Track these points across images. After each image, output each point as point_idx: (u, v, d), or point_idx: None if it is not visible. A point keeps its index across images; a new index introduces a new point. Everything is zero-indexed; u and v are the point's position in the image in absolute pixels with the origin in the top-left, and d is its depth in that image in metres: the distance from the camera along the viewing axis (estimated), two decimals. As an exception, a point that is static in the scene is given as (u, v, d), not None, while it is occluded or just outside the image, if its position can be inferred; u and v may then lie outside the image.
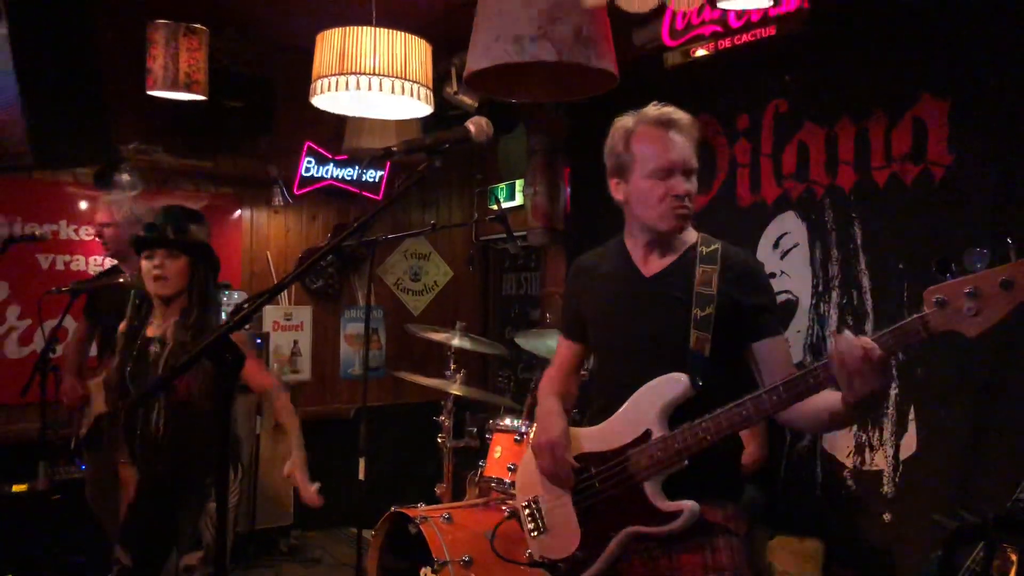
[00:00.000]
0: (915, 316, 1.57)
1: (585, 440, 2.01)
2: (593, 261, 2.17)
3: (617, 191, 2.03)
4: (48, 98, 3.77)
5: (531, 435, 3.25)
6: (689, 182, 1.94)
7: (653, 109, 1.98)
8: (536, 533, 2.09)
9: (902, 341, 1.59)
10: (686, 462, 1.83)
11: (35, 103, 3.73)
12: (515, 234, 4.07)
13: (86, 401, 3.72)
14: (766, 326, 1.92)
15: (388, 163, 5.39)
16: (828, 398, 1.71)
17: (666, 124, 1.94)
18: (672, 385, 1.87)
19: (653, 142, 1.93)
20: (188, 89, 4.00)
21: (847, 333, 1.60)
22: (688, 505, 1.82)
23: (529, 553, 2.14)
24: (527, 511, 2.12)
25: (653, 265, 2.02)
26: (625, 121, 2.01)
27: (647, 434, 1.88)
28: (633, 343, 1.99)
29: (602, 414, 2.01)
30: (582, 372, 2.35)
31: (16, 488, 3.92)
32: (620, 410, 1.95)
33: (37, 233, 4.12)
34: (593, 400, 2.11)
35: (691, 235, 2.03)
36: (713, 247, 1.98)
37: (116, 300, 3.41)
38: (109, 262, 4.50)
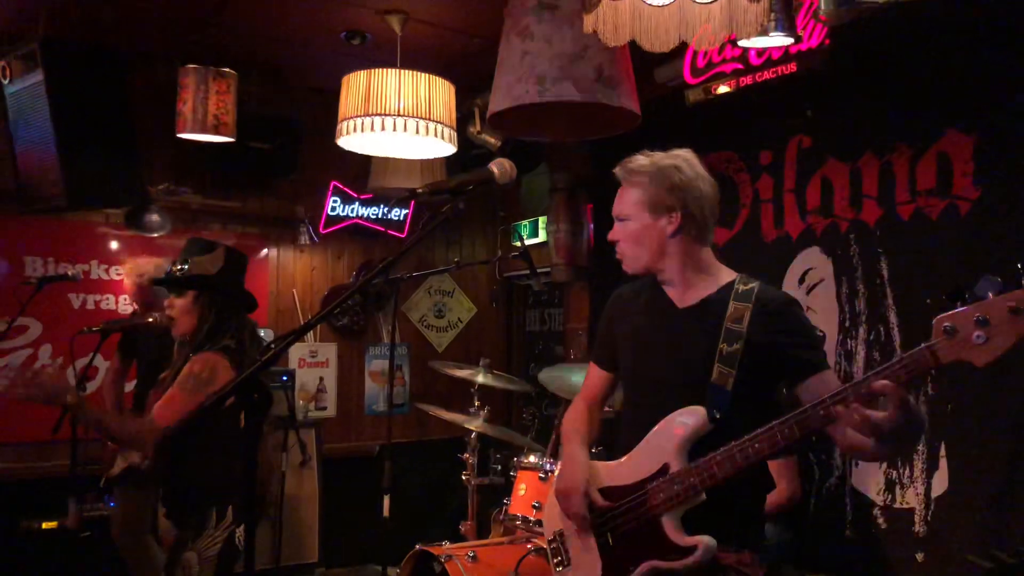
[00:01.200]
0: (923, 345, 1.56)
1: (606, 474, 2.03)
2: (632, 292, 2.21)
3: None
4: (81, 141, 3.88)
5: (556, 473, 3.24)
6: (615, 230, 2.11)
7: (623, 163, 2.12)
8: (561, 567, 2.12)
9: (911, 371, 1.57)
10: (703, 496, 1.83)
11: (68, 146, 3.84)
12: (538, 270, 4.10)
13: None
14: (808, 364, 1.90)
15: (412, 202, 5.45)
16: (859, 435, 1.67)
17: (620, 177, 2.12)
18: (690, 417, 1.88)
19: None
20: (216, 131, 4.10)
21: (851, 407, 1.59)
22: (704, 540, 1.82)
23: None
24: (552, 545, 2.15)
25: (688, 298, 2.04)
26: None
27: (665, 468, 1.89)
28: (659, 375, 2.01)
29: (627, 445, 2.02)
30: (606, 408, 2.36)
31: (46, 525, 3.96)
32: (640, 444, 1.96)
33: (70, 273, 4.21)
34: (621, 431, 2.11)
35: (728, 273, 2.06)
36: (750, 286, 1.99)
37: (149, 339, 3.48)
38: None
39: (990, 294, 1.51)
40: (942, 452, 3.07)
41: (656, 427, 1.93)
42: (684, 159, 2.04)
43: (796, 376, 1.90)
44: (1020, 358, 2.83)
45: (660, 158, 2.05)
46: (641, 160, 2.06)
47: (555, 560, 2.14)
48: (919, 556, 3.11)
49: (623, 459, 2.00)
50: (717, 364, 1.88)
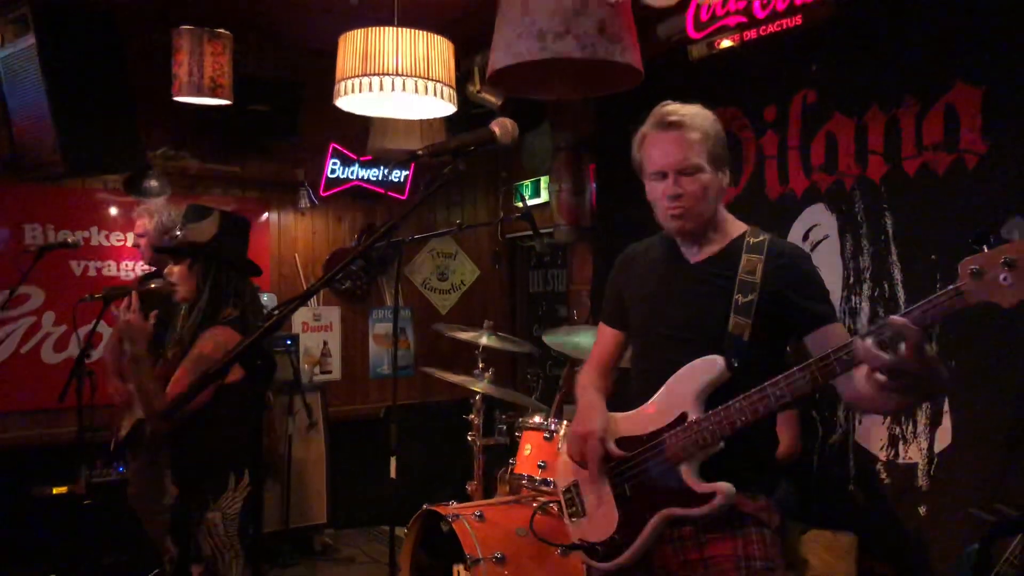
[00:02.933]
0: (949, 287, 1.53)
1: (622, 424, 2.02)
2: (641, 250, 2.19)
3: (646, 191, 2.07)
4: (77, 107, 3.84)
5: (561, 433, 3.26)
6: (681, 183, 1.93)
7: (659, 110, 2.00)
8: (575, 517, 2.12)
9: (936, 313, 1.54)
10: (722, 444, 1.83)
11: (64, 112, 3.80)
12: (541, 231, 4.07)
13: (129, 404, 3.78)
14: (818, 315, 1.91)
15: (413, 163, 5.40)
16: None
17: (665, 126, 1.96)
18: (708, 367, 1.88)
19: (653, 145, 1.98)
20: (213, 94, 4.04)
21: (868, 341, 1.55)
22: (723, 487, 1.83)
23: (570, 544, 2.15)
24: (567, 496, 2.15)
25: (701, 253, 2.03)
26: (643, 125, 2.04)
27: (683, 416, 1.89)
28: (673, 328, 1.99)
29: (641, 398, 2.01)
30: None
31: (56, 490, 4.00)
32: (657, 393, 1.96)
33: (70, 240, 4.18)
34: (632, 387, 2.10)
35: (738, 226, 2.05)
36: (761, 238, 1.99)
37: (153, 305, 3.47)
38: (141, 268, 4.58)
39: (1016, 235, 1.48)
40: (945, 407, 3.07)
41: (673, 377, 1.93)
42: None
43: (806, 327, 1.90)
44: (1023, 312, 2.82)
45: (702, 108, 1.99)
46: (693, 109, 1.98)
47: (569, 510, 2.14)
48: (922, 510, 3.14)
49: (639, 409, 2.00)
50: (733, 315, 1.89)
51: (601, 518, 2.03)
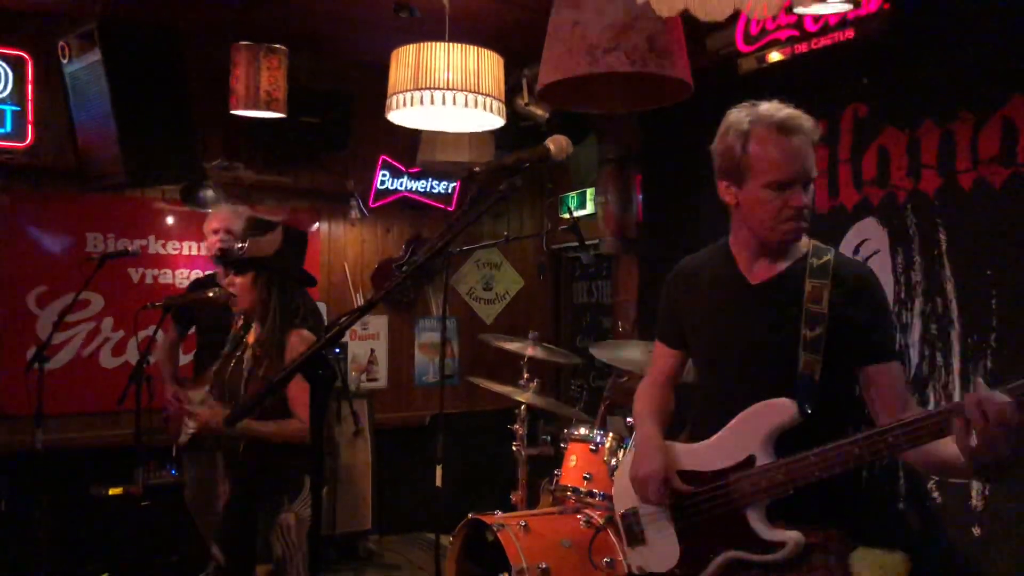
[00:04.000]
0: None
1: (685, 457, 1.96)
2: (695, 265, 2.09)
3: (727, 194, 1.93)
4: (139, 119, 3.96)
5: (606, 445, 3.26)
6: (807, 193, 1.84)
7: (774, 110, 1.85)
8: (635, 545, 2.06)
9: None
10: (791, 490, 1.77)
11: (127, 125, 3.92)
12: (587, 242, 4.09)
13: (190, 413, 3.88)
14: (880, 349, 1.84)
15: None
16: (951, 449, 1.58)
17: (789, 131, 1.82)
18: (779, 413, 1.80)
19: (773, 150, 1.82)
20: (269, 107, 4.15)
21: (981, 385, 1.49)
22: (793, 537, 1.76)
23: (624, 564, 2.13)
24: (625, 521, 2.09)
25: (760, 272, 1.93)
26: (740, 119, 1.88)
27: (751, 459, 1.82)
28: (738, 357, 1.92)
29: (703, 429, 1.95)
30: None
31: (113, 491, 4.11)
32: (723, 430, 1.89)
33: (130, 249, 4.33)
34: (695, 412, 2.05)
35: (802, 244, 1.94)
36: (825, 259, 1.88)
37: (209, 311, 3.57)
38: (194, 274, 4.70)
39: None
40: (1002, 426, 3.01)
41: (740, 416, 1.85)
42: None
43: (863, 359, 1.84)
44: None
45: (805, 115, 1.88)
46: (803, 115, 1.86)
47: (628, 536, 2.08)
48: (976, 530, 3.07)
49: (704, 443, 1.93)
50: (802, 353, 1.79)
51: (662, 550, 1.98)
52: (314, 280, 3.04)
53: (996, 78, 3.04)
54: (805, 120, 1.84)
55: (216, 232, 3.76)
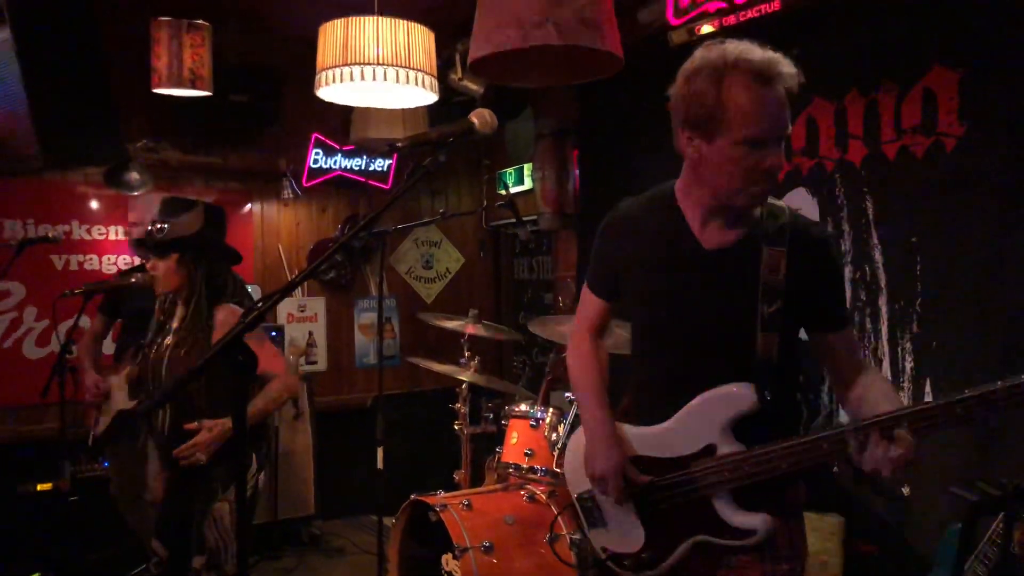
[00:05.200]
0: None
1: (638, 442, 1.89)
2: (636, 212, 1.90)
3: (689, 147, 1.71)
4: (55, 99, 3.79)
5: (547, 421, 3.27)
6: (781, 151, 1.66)
7: (750, 51, 1.63)
8: (595, 527, 2.01)
9: (1014, 399, 1.47)
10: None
11: (42, 104, 3.75)
12: (525, 219, 4.07)
13: (106, 397, 3.76)
14: (839, 318, 1.79)
15: (395, 153, 5.38)
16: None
17: (770, 80, 1.60)
18: (739, 400, 1.73)
19: (754, 103, 1.60)
20: (193, 85, 4.00)
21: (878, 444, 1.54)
22: (762, 521, 1.72)
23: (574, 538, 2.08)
24: (583, 504, 2.03)
25: (714, 235, 1.77)
26: (713, 61, 1.64)
27: (710, 448, 1.76)
28: (690, 332, 1.79)
29: (647, 406, 1.88)
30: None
31: (41, 487, 3.98)
32: (678, 416, 1.80)
33: (50, 235, 4.16)
34: (633, 384, 1.96)
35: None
36: (780, 221, 1.73)
37: (134, 298, 3.45)
38: (123, 261, 4.55)
39: None
40: (927, 388, 3.11)
41: (696, 401, 1.77)
42: None
43: (822, 327, 1.78)
44: (1002, 293, 2.85)
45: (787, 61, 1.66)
46: (785, 60, 1.64)
47: (588, 519, 2.03)
48: (905, 490, 3.18)
49: (658, 428, 1.84)
50: (761, 332, 1.68)
51: (624, 532, 1.92)
52: (239, 256, 2.96)
53: (917, 48, 3.10)
54: (786, 66, 1.63)
55: (131, 225, 3.69)
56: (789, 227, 1.73)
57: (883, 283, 3.27)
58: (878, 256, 3.29)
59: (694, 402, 1.77)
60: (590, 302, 2.05)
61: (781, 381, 1.74)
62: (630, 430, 1.91)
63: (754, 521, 1.73)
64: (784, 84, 1.62)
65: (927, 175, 3.08)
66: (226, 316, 2.72)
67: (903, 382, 3.17)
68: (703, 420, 1.77)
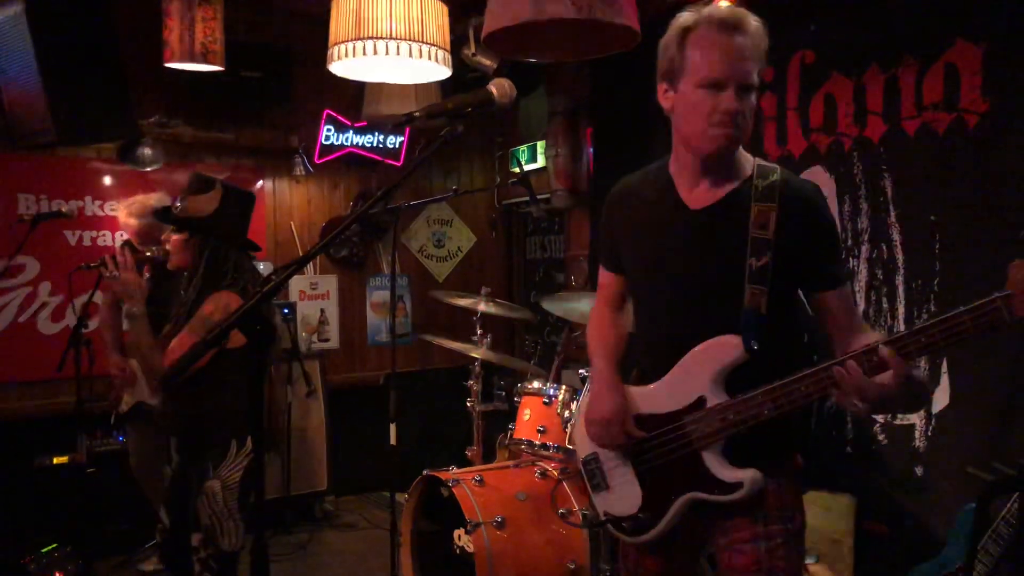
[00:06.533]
0: (995, 295, 1.42)
1: (640, 400, 1.93)
2: (634, 185, 1.97)
3: (664, 98, 1.81)
4: (68, 74, 3.78)
5: (560, 398, 3.27)
6: (743, 99, 1.69)
7: (719, 8, 1.73)
8: (598, 490, 2.05)
9: (979, 326, 1.45)
10: (745, 430, 1.75)
11: (55, 79, 3.74)
12: (538, 197, 4.05)
13: (132, 382, 3.79)
14: (830, 276, 1.79)
15: (408, 129, 5.36)
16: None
17: (730, 28, 1.68)
18: (725, 351, 1.76)
19: (711, 48, 1.69)
20: (205, 60, 3.98)
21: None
22: (750, 476, 1.75)
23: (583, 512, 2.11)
24: (588, 468, 2.06)
25: (701, 196, 1.82)
26: (685, 18, 1.75)
27: (701, 400, 1.80)
28: (679, 291, 1.84)
29: (650, 369, 1.92)
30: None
31: (57, 460, 4.02)
32: (671, 372, 1.85)
33: (64, 210, 4.17)
34: (639, 351, 1.98)
35: (747, 164, 1.83)
36: (771, 179, 1.76)
37: (150, 273, 3.47)
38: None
39: None
40: (944, 368, 3.08)
41: (689, 355, 1.81)
42: None
43: (816, 286, 1.79)
44: None
45: (753, 17, 1.73)
46: (751, 15, 1.71)
47: (592, 482, 2.06)
48: (919, 470, 3.16)
49: (655, 385, 1.90)
50: (748, 284, 1.72)
51: (625, 494, 1.96)
52: (257, 246, 2.95)
53: (939, 22, 3.05)
54: (752, 21, 1.71)
55: (133, 234, 3.73)
56: (780, 185, 1.76)
57: (900, 262, 3.23)
58: (896, 235, 3.25)
59: (685, 357, 1.82)
60: (603, 276, 2.11)
61: (776, 335, 1.75)
62: (632, 389, 1.96)
63: (742, 475, 1.76)
64: (748, 36, 1.69)
65: (948, 152, 3.04)
66: (215, 304, 2.67)
67: (919, 361, 3.14)
68: (693, 373, 1.81)
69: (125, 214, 3.81)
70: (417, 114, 1.56)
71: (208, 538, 2.73)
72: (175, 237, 2.77)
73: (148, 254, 2.95)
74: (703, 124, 1.72)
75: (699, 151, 1.77)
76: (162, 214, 2.77)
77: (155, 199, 3.83)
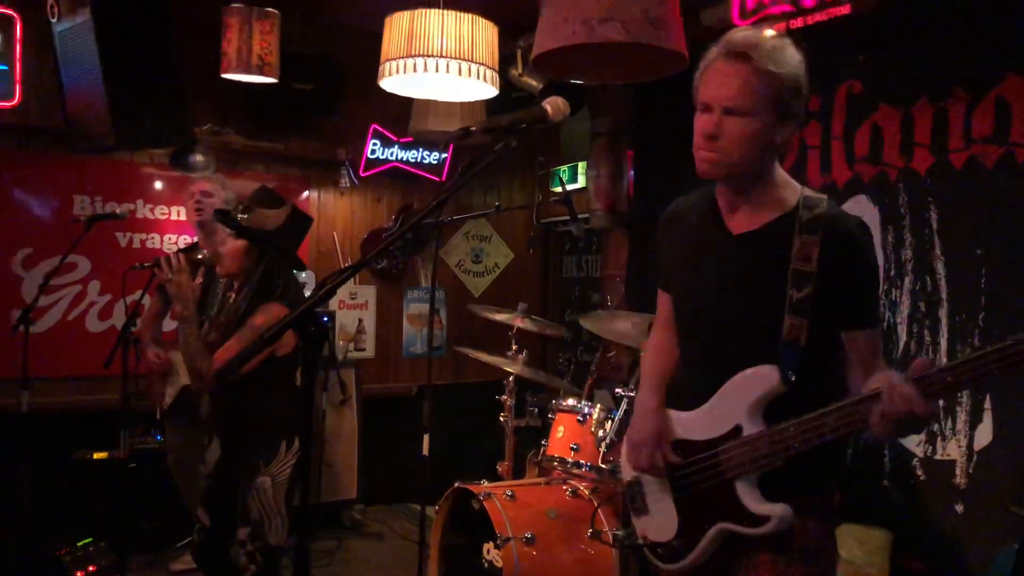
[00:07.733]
0: (1020, 336, 1.40)
1: (679, 426, 1.93)
2: (684, 206, 1.98)
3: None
4: (128, 81, 3.91)
5: (594, 416, 3.27)
6: (724, 124, 1.68)
7: (730, 34, 1.73)
8: (638, 514, 2.05)
9: (1007, 366, 1.42)
10: (778, 463, 1.73)
11: (116, 86, 3.87)
12: (578, 216, 4.08)
13: (170, 370, 3.87)
14: (865, 315, 1.77)
15: (452, 146, 5.43)
16: None
17: (730, 55, 1.69)
18: (762, 381, 1.75)
19: (710, 72, 1.73)
20: (260, 72, 4.09)
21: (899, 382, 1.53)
22: (778, 512, 1.73)
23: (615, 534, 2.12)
24: (631, 491, 2.07)
25: (742, 221, 1.80)
26: (713, 46, 1.77)
27: (737, 429, 1.78)
28: (718, 317, 1.83)
29: (687, 394, 1.93)
30: None
31: (97, 455, 4.10)
32: (712, 399, 1.84)
33: (118, 212, 4.29)
34: (679, 375, 2.01)
35: (791, 192, 1.79)
36: (816, 211, 1.72)
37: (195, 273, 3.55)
38: (182, 241, 4.66)
39: None
40: (987, 404, 3.04)
41: (728, 383, 1.80)
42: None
43: (847, 322, 1.75)
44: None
45: (786, 42, 1.71)
46: (772, 41, 1.68)
47: (633, 505, 2.07)
48: (959, 507, 3.11)
49: (695, 412, 1.89)
50: (788, 316, 1.69)
51: (663, 520, 1.96)
52: (304, 266, 3.05)
53: (991, 56, 3.03)
54: (764, 47, 1.67)
55: (203, 194, 3.75)
56: (825, 218, 1.72)
57: (944, 295, 3.20)
58: (940, 267, 3.22)
59: (725, 385, 1.81)
60: (660, 297, 2.11)
61: (814, 368, 1.72)
62: (673, 414, 1.96)
63: (770, 509, 1.74)
64: (754, 62, 1.67)
65: (997, 186, 3.01)
66: (267, 315, 2.75)
67: (960, 396, 3.11)
68: (730, 402, 1.80)
69: (219, 186, 3.82)
70: (474, 129, 1.60)
71: (256, 532, 2.79)
72: (235, 243, 2.84)
73: (199, 257, 3.02)
74: (695, 147, 1.75)
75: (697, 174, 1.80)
76: (223, 216, 2.85)
77: (253, 188, 3.85)
